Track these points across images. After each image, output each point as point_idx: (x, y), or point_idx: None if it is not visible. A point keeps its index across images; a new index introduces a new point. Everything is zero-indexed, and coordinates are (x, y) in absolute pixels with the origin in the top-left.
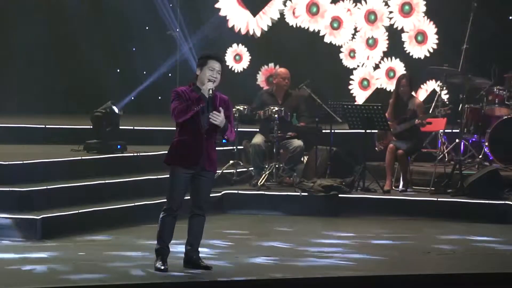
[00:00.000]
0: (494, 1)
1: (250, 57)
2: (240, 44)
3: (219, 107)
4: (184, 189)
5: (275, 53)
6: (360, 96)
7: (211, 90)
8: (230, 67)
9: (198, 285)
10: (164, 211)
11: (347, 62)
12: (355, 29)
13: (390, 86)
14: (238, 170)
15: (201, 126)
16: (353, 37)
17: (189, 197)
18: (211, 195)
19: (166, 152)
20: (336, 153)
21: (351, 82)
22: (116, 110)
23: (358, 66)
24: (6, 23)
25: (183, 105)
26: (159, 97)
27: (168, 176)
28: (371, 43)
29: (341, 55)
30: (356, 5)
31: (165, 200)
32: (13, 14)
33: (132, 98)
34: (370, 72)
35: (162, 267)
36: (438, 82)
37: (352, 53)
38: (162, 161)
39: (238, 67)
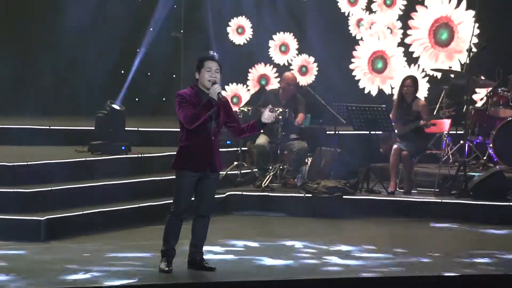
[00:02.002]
0: (499, 1)
1: (252, 30)
2: (241, 16)
3: (224, 109)
4: (191, 192)
5: (280, 21)
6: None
7: (221, 94)
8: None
9: (202, 286)
10: (170, 213)
11: (354, 31)
12: None
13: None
14: (242, 171)
15: (210, 129)
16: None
17: (193, 199)
18: (215, 196)
19: (171, 153)
20: (340, 154)
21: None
22: (117, 107)
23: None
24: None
25: (195, 111)
26: (164, 99)
27: (175, 178)
28: (389, 3)
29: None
30: None
31: (171, 202)
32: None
33: (125, 88)
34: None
35: (166, 269)
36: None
37: (360, 23)
38: (169, 165)
39: (241, 40)
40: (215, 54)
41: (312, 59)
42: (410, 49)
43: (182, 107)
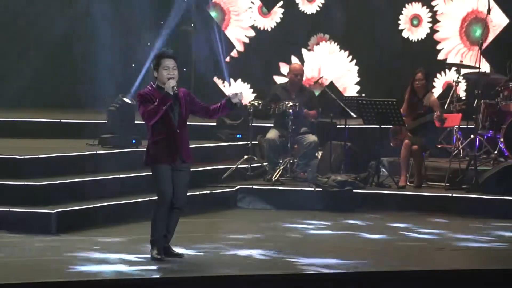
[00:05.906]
0: None
1: None
2: None
3: (185, 101)
4: (170, 180)
5: None
6: None
7: (175, 87)
8: None
9: (205, 280)
10: (156, 207)
11: None
12: None
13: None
14: (252, 165)
15: (174, 122)
16: None
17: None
18: (223, 190)
19: None
20: (350, 148)
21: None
22: (128, 101)
23: None
24: (21, 16)
25: (151, 107)
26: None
27: (151, 173)
28: None
29: None
30: None
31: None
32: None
33: (138, 84)
34: None
35: (159, 256)
36: (454, 78)
37: None
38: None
39: None
40: (171, 50)
41: None
42: None
43: (141, 105)
